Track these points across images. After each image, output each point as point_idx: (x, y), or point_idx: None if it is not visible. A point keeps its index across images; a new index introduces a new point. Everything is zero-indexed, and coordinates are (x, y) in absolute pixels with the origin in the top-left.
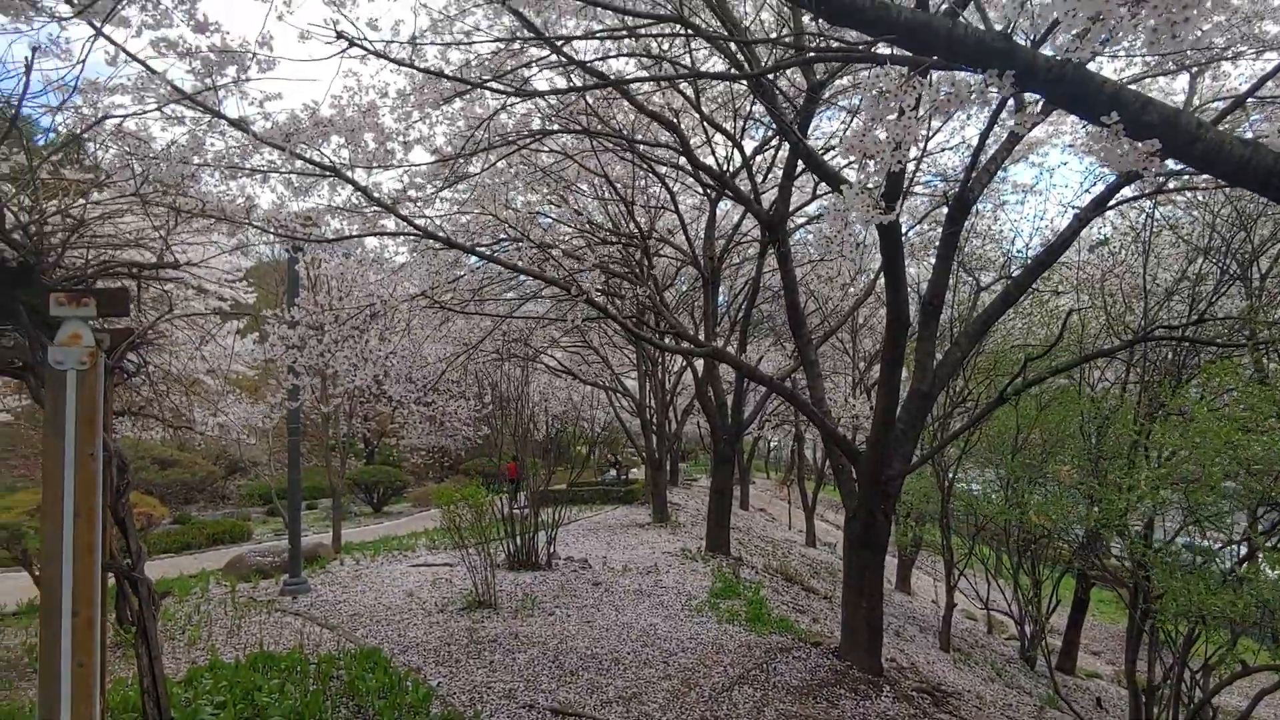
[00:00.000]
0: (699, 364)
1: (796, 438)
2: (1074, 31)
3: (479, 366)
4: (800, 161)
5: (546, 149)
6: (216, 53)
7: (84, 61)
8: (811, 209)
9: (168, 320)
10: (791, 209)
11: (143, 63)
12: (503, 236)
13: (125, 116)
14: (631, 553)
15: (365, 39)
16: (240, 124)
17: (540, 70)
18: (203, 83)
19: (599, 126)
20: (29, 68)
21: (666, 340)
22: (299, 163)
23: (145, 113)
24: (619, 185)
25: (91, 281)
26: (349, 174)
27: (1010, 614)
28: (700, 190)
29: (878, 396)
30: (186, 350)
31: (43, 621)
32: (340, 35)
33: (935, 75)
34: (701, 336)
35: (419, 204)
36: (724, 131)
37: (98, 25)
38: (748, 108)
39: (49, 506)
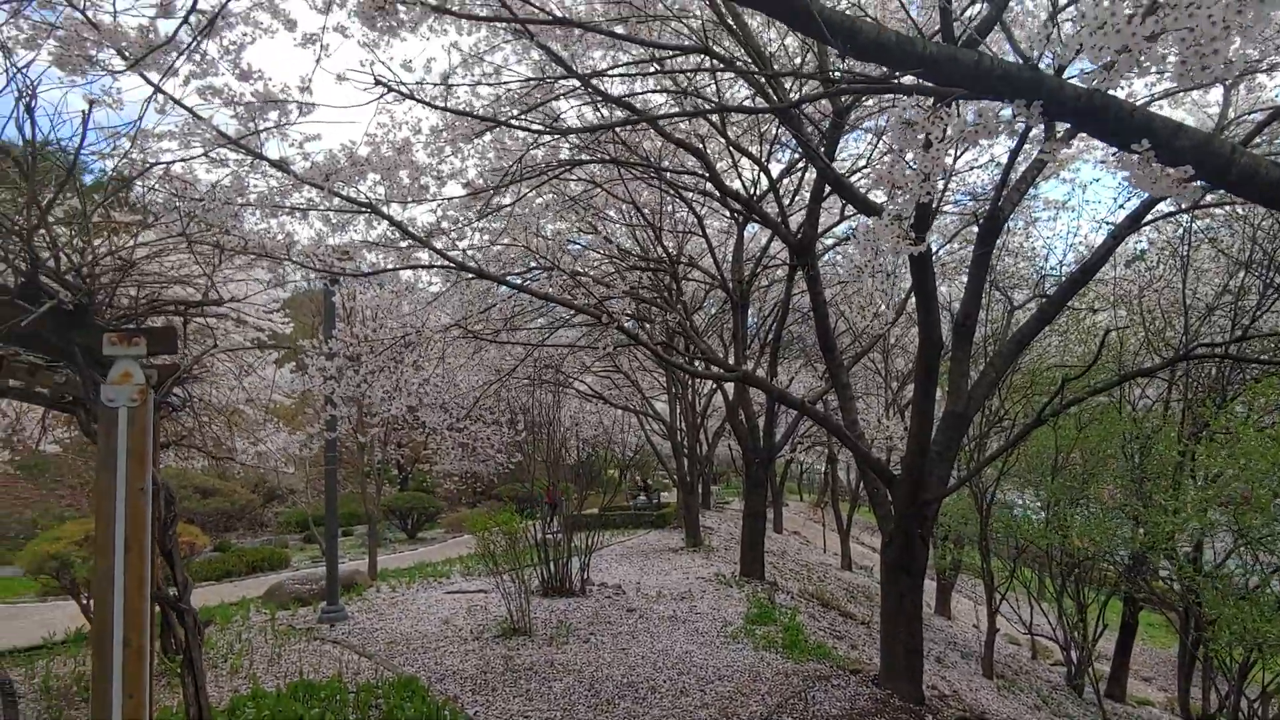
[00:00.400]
0: (729, 387)
1: (829, 459)
2: (1100, 64)
3: (511, 393)
4: (828, 185)
5: (575, 178)
6: (259, 99)
7: (142, 118)
8: (840, 230)
9: (211, 354)
10: (820, 231)
11: (190, 110)
12: (534, 265)
13: (173, 161)
14: (665, 578)
15: (400, 82)
16: (281, 165)
17: (569, 103)
18: (246, 127)
19: (626, 155)
20: (86, 120)
21: (696, 365)
22: (337, 200)
23: (192, 158)
24: (647, 211)
25: (141, 319)
26: (385, 209)
27: (1055, 639)
28: (727, 214)
29: (912, 418)
30: (226, 381)
31: (95, 653)
32: (379, 82)
33: (963, 104)
34: (731, 359)
35: (452, 236)
36: (750, 156)
37: (151, 79)
38: (773, 132)
39: (101, 540)
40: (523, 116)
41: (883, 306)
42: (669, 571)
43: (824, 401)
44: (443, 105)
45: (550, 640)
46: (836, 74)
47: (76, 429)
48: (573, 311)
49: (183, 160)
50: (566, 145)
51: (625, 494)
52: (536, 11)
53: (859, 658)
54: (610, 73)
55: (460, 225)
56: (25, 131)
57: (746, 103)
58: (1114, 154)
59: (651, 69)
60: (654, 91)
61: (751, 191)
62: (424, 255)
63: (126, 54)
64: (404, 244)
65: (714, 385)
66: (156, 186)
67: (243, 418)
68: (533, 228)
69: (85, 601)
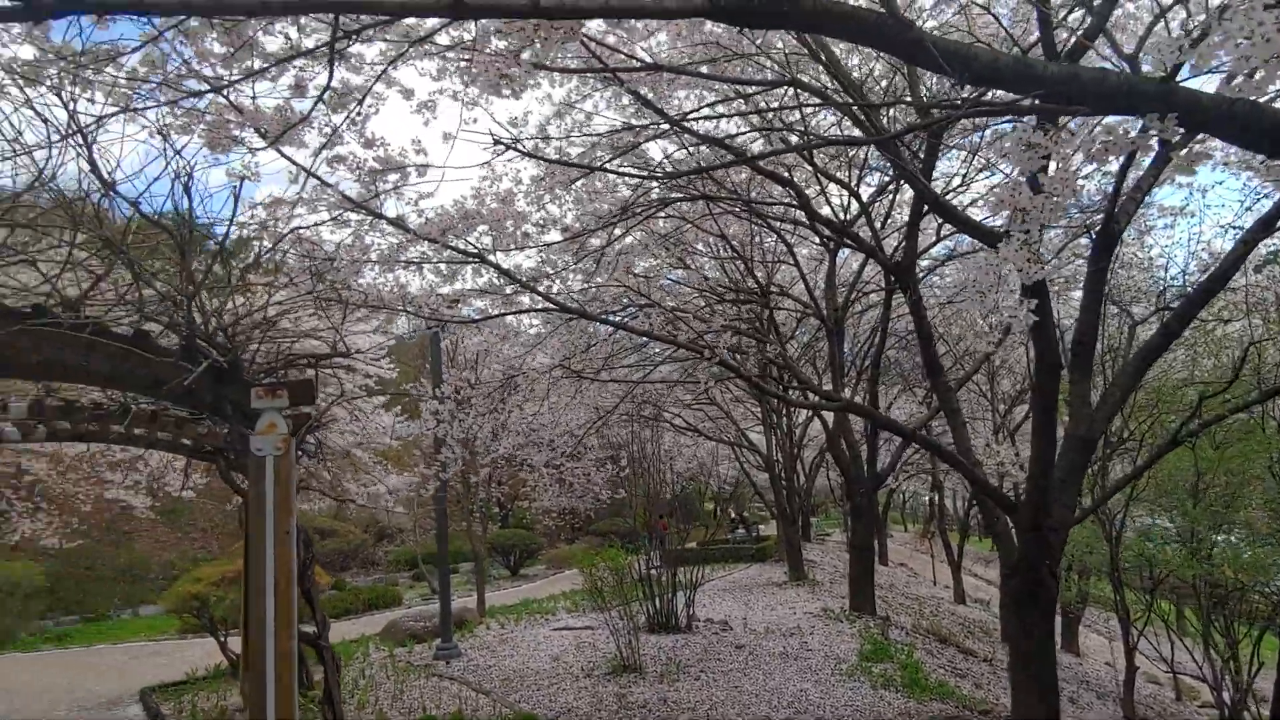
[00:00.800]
0: (829, 416)
1: (934, 487)
2: (1245, 72)
3: (611, 430)
4: (927, 207)
5: (664, 214)
6: (381, 163)
7: (299, 200)
8: (936, 251)
9: (338, 403)
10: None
11: (319, 178)
12: (628, 303)
13: (306, 227)
14: (771, 613)
15: (515, 139)
16: (400, 223)
17: (656, 143)
18: (367, 189)
19: (715, 190)
20: (237, 199)
21: (793, 394)
22: (447, 252)
23: (321, 223)
24: (735, 243)
25: (279, 373)
26: (492, 258)
27: (1202, 677)
28: (817, 240)
29: (1032, 443)
30: (340, 426)
31: (250, 688)
32: (497, 141)
33: (1083, 121)
34: (827, 388)
35: (553, 280)
36: (839, 182)
37: (287, 153)
38: (861, 156)
39: (252, 581)
40: (615, 160)
41: (985, 326)
42: (774, 606)
43: (928, 427)
44: (555, 158)
45: (661, 678)
46: (926, 94)
47: (207, 476)
48: (669, 348)
49: (315, 225)
50: (656, 185)
51: (724, 527)
52: (625, 59)
53: (985, 698)
54: (698, 112)
55: (560, 270)
56: (180, 207)
57: (833, 130)
58: (1237, 154)
59: (736, 103)
60: (744, 131)
61: (842, 217)
62: (526, 299)
63: (265, 132)
64: (509, 289)
65: (809, 415)
66: (288, 249)
67: (355, 460)
68: (625, 267)
69: (222, 639)
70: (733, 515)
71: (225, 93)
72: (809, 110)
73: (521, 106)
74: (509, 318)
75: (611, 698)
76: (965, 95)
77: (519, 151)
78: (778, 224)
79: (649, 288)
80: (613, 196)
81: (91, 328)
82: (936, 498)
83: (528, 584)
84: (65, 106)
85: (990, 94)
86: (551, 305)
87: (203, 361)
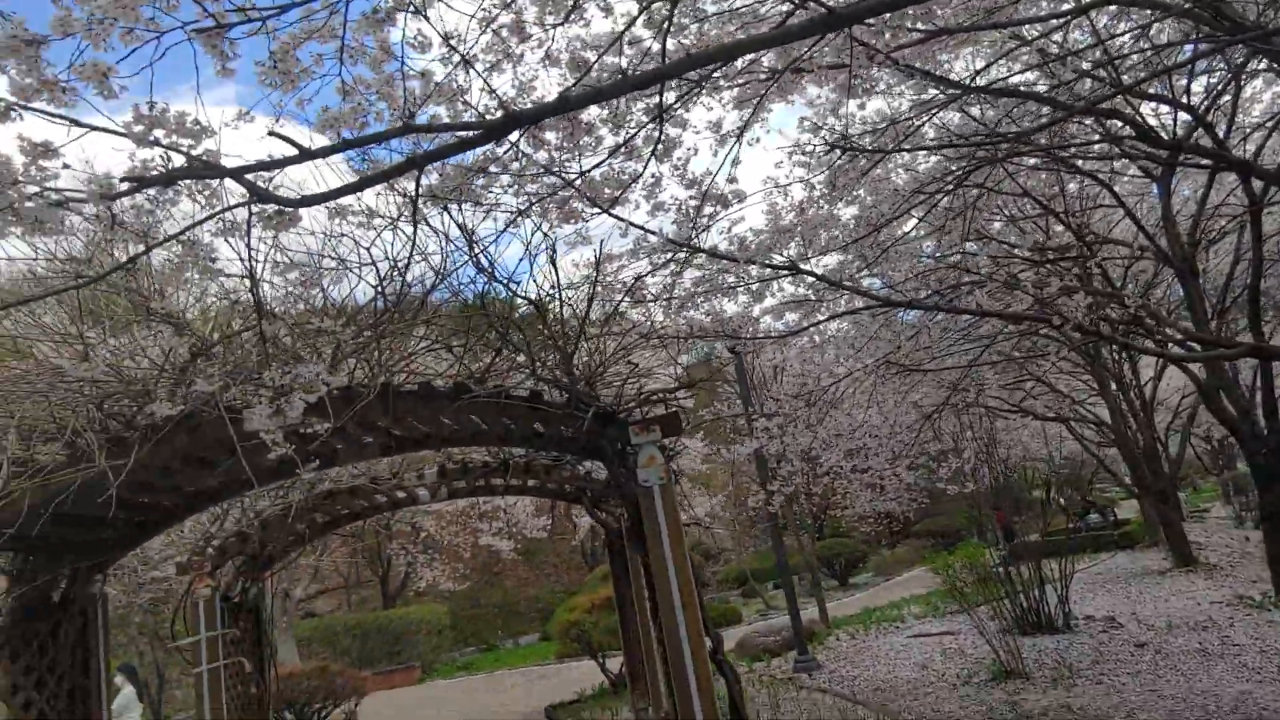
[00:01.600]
0: (1196, 370)
1: None
2: None
3: (937, 424)
4: None
5: (956, 189)
6: (698, 198)
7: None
8: None
9: (686, 433)
10: None
11: (641, 227)
12: (951, 284)
13: (640, 275)
14: (1164, 605)
15: (851, 140)
16: (716, 252)
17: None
18: (684, 228)
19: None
20: (598, 263)
21: (1158, 347)
22: (756, 270)
23: (646, 273)
24: (1039, 197)
25: (645, 411)
26: (804, 266)
27: None
28: (1133, 174)
29: None
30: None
31: (679, 699)
32: (833, 146)
33: None
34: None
35: (858, 278)
36: (1158, 99)
37: (615, 214)
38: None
39: (663, 602)
40: (905, 140)
41: None
42: (1165, 598)
43: None
44: (864, 148)
45: (1054, 683)
46: None
47: (554, 517)
48: (1000, 324)
49: (646, 274)
50: (942, 156)
51: (1071, 514)
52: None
53: None
54: (985, 72)
55: (867, 264)
56: (539, 281)
57: (1116, 42)
58: None
59: (1016, 54)
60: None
61: (1173, 134)
62: (831, 304)
63: (595, 199)
64: (814, 296)
65: (1155, 375)
66: (624, 299)
67: (683, 486)
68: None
69: (601, 660)
70: (1083, 499)
71: (561, 170)
72: (1100, 29)
73: (786, 114)
74: (816, 326)
75: (1003, 706)
76: None
77: (854, 149)
78: (1081, 164)
79: (976, 263)
80: (886, 185)
81: (504, 395)
82: None
83: (860, 592)
84: (454, 218)
85: None
86: (875, 300)
87: (587, 410)
